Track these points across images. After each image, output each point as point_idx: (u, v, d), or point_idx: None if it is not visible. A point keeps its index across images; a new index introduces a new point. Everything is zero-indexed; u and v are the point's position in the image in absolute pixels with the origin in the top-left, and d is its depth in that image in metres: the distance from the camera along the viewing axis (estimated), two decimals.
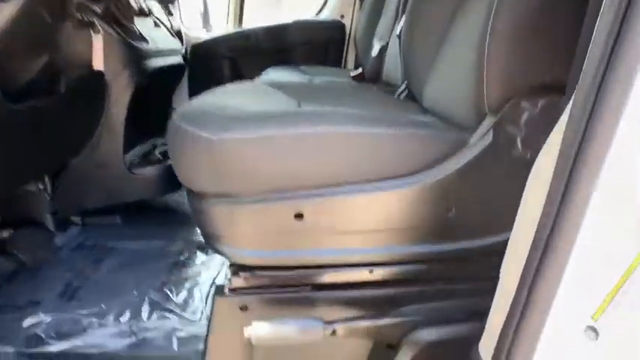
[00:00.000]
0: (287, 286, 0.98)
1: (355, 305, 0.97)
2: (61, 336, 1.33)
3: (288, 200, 0.88)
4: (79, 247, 1.89)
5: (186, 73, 2.68)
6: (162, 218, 2.16)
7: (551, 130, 0.65)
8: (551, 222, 0.59)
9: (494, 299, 0.75)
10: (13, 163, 1.42)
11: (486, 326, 0.76)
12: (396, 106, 1.04)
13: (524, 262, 0.64)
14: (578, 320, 0.55)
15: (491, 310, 0.75)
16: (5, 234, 1.80)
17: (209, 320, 1.01)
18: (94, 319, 1.40)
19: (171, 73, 2.24)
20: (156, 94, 2.14)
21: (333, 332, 0.91)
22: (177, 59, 2.27)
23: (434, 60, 1.12)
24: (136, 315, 1.42)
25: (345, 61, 2.97)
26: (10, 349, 1.26)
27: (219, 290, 1.00)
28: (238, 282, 0.98)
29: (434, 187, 0.87)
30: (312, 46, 2.91)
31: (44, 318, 1.41)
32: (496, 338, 0.69)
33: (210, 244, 0.99)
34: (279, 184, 0.87)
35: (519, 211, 0.71)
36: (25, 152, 1.41)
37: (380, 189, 0.88)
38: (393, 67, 1.97)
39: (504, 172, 0.86)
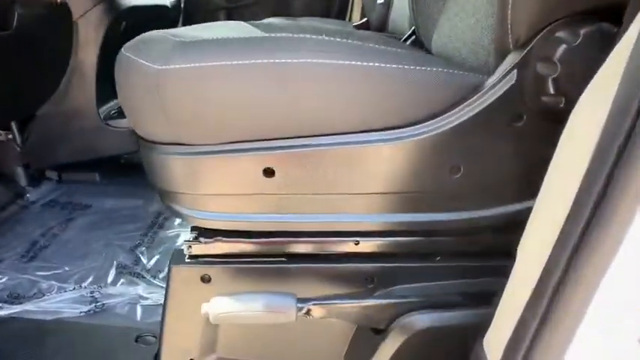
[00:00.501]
0: (256, 256, 0.82)
1: (336, 281, 0.81)
2: (13, 299, 1.20)
3: (254, 152, 0.71)
4: (51, 204, 1.75)
5: (180, 24, 2.51)
6: (143, 176, 2.00)
7: (596, 71, 0.47)
8: (598, 190, 0.42)
9: (508, 284, 0.58)
10: None
11: (494, 318, 0.60)
12: (399, 46, 0.85)
13: (553, 242, 0.47)
14: (632, 326, 0.39)
15: (502, 297, 0.59)
16: None
17: (165, 291, 0.86)
18: (54, 282, 1.27)
19: (156, 17, 2.03)
20: None
21: (308, 312, 0.76)
22: (163, 1, 2.06)
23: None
24: (100, 279, 1.29)
25: (351, 13, 2.76)
26: None
27: (178, 257, 0.84)
28: (199, 249, 0.82)
29: (438, 141, 0.70)
30: None
31: (0, 279, 1.28)
32: (507, 335, 0.53)
33: (166, 204, 0.82)
34: (242, 131, 0.70)
35: (547, 177, 0.53)
36: None
37: (370, 142, 0.71)
38: (399, 15, 1.77)
39: (529, 125, 0.68)
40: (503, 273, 0.58)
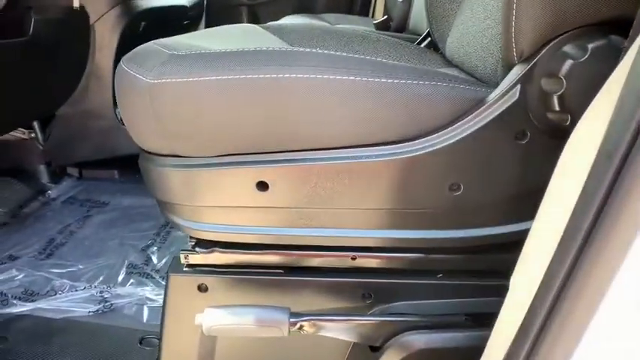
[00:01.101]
0: (252, 267, 0.81)
1: (333, 296, 0.80)
2: (27, 296, 1.23)
3: (248, 165, 0.70)
4: (70, 201, 1.79)
5: (203, 22, 2.52)
6: None
7: (601, 85, 0.44)
8: (595, 210, 0.39)
9: (503, 308, 0.56)
10: None
11: (488, 342, 0.58)
12: (411, 55, 0.82)
13: (545, 266, 0.45)
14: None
15: (497, 320, 0.56)
16: None
17: (164, 299, 0.86)
18: (67, 281, 1.29)
19: (175, 16, 2.04)
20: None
21: (301, 327, 0.74)
22: (181, 1, 2.06)
23: (459, 3, 0.89)
24: (110, 279, 1.31)
25: (374, 9, 2.72)
26: None
27: (176, 265, 0.84)
28: (196, 258, 0.82)
29: (437, 157, 0.67)
30: None
31: (17, 275, 1.32)
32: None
33: (164, 215, 0.82)
34: (236, 144, 0.69)
35: (547, 195, 0.50)
36: None
37: (366, 157, 0.68)
38: (420, 14, 1.72)
39: (531, 141, 0.65)
40: (500, 294, 0.55)
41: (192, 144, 0.71)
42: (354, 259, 0.78)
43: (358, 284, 0.79)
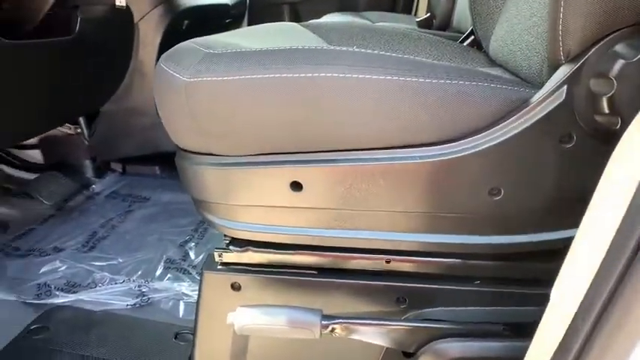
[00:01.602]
0: (285, 267, 0.81)
1: (366, 299, 0.78)
2: (69, 288, 1.28)
3: (282, 165, 0.70)
4: (113, 195, 1.85)
5: (246, 20, 2.55)
6: None
7: None
8: None
9: (543, 319, 0.53)
10: (33, 102, 1.35)
11: (528, 352, 0.55)
12: (453, 54, 0.80)
13: (590, 278, 0.42)
14: None
15: (536, 332, 0.54)
16: (41, 177, 1.79)
17: (198, 296, 0.87)
18: (107, 274, 1.33)
19: (217, 14, 2.07)
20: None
21: (333, 330, 0.74)
22: (224, 0, 2.09)
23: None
24: (148, 274, 1.34)
25: (417, 7, 2.68)
26: (12, 298, 1.22)
27: (210, 263, 0.85)
28: (230, 257, 0.83)
29: (477, 160, 0.64)
30: None
31: (60, 267, 1.38)
32: None
33: (199, 213, 0.83)
34: (271, 143, 0.69)
35: (592, 204, 0.47)
36: (39, 91, 1.32)
37: (403, 159, 0.67)
38: (464, 11, 1.68)
39: (577, 145, 0.61)
40: (541, 303, 0.52)
41: (227, 142, 0.71)
42: (388, 262, 0.76)
43: (392, 288, 0.77)
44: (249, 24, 2.50)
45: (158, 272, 1.34)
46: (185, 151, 0.78)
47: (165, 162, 2.02)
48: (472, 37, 1.22)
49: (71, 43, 1.28)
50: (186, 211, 1.71)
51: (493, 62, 0.87)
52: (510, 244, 0.70)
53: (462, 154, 0.65)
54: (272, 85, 0.65)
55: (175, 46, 0.78)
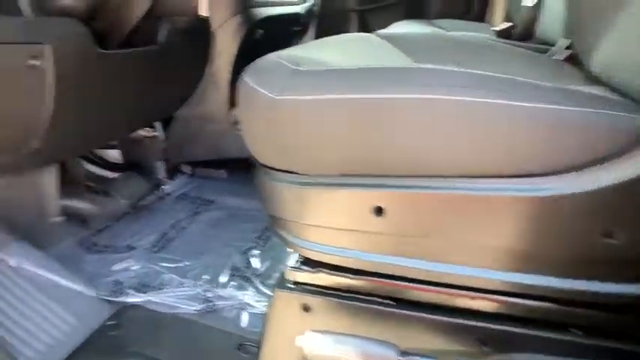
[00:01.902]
0: (359, 293, 0.77)
1: (444, 337, 0.73)
2: (140, 287, 1.30)
3: (365, 188, 0.66)
4: (182, 197, 1.89)
5: (313, 28, 2.55)
6: None
7: None
8: None
9: None
10: (118, 107, 1.40)
11: None
12: (549, 72, 0.73)
13: None
14: None
15: None
16: (120, 176, 1.87)
17: (267, 313, 0.85)
18: (175, 276, 1.35)
19: (288, 23, 2.08)
20: (270, 47, 2.01)
21: None
22: (296, 9, 2.09)
23: (614, 8, 0.77)
24: (214, 279, 1.34)
25: (491, 14, 2.56)
26: (92, 293, 1.26)
27: (282, 281, 0.83)
28: (302, 277, 0.80)
29: (586, 198, 0.57)
30: None
31: (133, 266, 1.41)
32: None
33: (273, 229, 0.81)
34: (355, 165, 0.65)
35: None
36: (124, 97, 1.37)
37: (497, 190, 0.61)
38: (550, 19, 1.56)
39: None
40: None
41: (309, 161, 0.69)
42: (472, 299, 0.70)
43: (474, 328, 0.71)
44: (317, 31, 2.49)
45: (222, 279, 1.34)
46: (265, 166, 0.76)
47: (233, 167, 2.04)
48: (567, 50, 1.13)
49: (156, 53, 1.32)
50: (251, 216, 1.71)
51: (592, 79, 0.78)
52: (619, 293, 0.62)
53: (569, 190, 0.58)
54: (359, 106, 0.61)
55: (259, 60, 0.76)
